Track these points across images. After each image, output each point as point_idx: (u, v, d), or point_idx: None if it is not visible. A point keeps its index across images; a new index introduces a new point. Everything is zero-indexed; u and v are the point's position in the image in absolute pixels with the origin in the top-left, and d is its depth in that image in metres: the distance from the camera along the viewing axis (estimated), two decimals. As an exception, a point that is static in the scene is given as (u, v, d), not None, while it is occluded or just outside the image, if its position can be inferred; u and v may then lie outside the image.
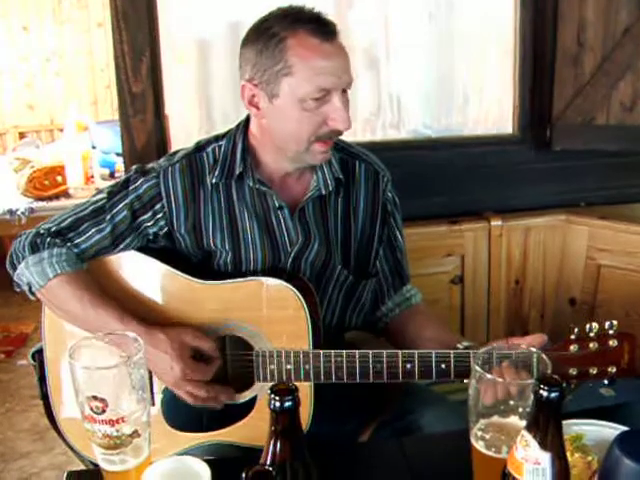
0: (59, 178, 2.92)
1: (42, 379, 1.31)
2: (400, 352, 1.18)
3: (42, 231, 1.26)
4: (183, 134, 1.96)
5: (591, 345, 1.13)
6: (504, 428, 0.89)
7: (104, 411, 0.80)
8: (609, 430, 1.03)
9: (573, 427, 1.05)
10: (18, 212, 2.82)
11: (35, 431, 2.61)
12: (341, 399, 1.33)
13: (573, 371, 1.14)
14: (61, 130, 4.22)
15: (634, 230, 2.02)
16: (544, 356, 0.95)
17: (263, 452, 0.73)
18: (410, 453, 1.10)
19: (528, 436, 0.74)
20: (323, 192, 1.32)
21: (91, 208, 1.28)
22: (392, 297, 1.43)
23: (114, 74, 1.77)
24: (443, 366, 1.17)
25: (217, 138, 1.34)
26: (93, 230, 1.26)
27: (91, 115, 4.28)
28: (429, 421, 1.29)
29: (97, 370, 0.81)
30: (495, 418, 0.90)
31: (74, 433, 1.27)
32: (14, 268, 1.25)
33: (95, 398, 0.80)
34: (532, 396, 0.78)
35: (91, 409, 0.80)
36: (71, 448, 1.30)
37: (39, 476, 2.38)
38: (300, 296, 1.20)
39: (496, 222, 2.10)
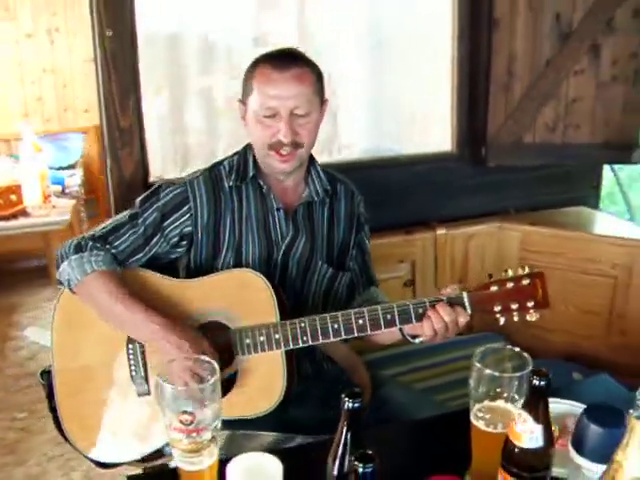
0: (13, 197, 2.95)
1: (50, 396, 1.50)
2: (352, 311, 1.42)
3: (87, 236, 1.51)
4: (160, 162, 2.10)
5: (508, 285, 1.37)
6: (495, 410, 1.13)
7: (192, 422, 0.98)
8: (563, 406, 1.31)
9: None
10: (-24, 233, 2.84)
11: (3, 445, 2.66)
12: (323, 386, 1.57)
13: (497, 307, 1.38)
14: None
15: (558, 234, 2.38)
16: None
17: (334, 442, 0.94)
18: (396, 438, 1.31)
19: (525, 414, 0.99)
20: (315, 199, 1.62)
21: (128, 215, 1.54)
22: (361, 294, 1.70)
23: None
24: (389, 317, 1.40)
25: (228, 157, 1.62)
26: (129, 232, 1.51)
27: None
28: (402, 410, 1.54)
29: (185, 390, 1.01)
30: (486, 402, 1.14)
31: (79, 437, 1.47)
32: (59, 267, 1.49)
33: (185, 412, 0.98)
34: (518, 385, 1.07)
35: (181, 422, 0.98)
36: (78, 450, 1.47)
37: (17, 488, 2.43)
38: (265, 279, 1.45)
39: (441, 231, 2.40)
